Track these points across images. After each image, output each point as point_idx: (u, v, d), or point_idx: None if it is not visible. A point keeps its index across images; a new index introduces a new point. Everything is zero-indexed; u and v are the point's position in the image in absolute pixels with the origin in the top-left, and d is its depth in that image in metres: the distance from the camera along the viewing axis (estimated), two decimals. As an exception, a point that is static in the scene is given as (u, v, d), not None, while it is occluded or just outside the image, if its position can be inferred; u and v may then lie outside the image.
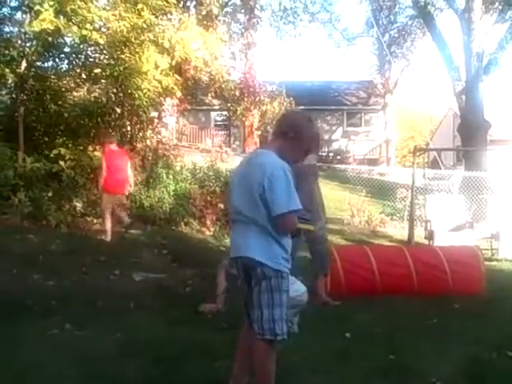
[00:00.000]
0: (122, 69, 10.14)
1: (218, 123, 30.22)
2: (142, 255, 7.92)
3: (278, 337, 2.97)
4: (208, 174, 11.99)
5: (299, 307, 4.26)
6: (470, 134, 18.21)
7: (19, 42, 10.45)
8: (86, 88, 11.80)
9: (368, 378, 3.77)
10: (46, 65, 11.36)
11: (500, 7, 18.84)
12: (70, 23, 9.33)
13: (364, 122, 31.86)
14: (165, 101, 12.52)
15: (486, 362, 4.14)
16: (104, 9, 10.28)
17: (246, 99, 17.31)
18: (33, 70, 10.57)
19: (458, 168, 22.82)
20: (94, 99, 11.55)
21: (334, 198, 13.54)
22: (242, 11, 20.21)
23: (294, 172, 5.43)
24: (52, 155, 9.94)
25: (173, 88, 11.05)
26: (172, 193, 10.81)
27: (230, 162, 16.44)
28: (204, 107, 24.63)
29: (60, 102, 11.14)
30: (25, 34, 10.15)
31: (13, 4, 11.02)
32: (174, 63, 11.17)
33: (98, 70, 10.41)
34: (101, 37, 9.65)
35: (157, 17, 10.81)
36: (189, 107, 17.97)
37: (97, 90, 11.65)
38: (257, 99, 17.70)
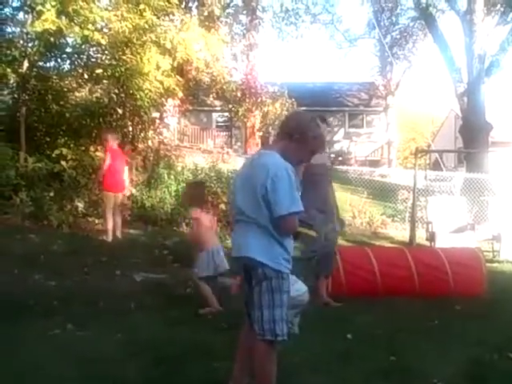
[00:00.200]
0: (123, 69, 10.15)
1: (220, 124, 30.22)
2: (143, 255, 7.92)
3: (278, 337, 2.97)
4: (209, 174, 11.98)
5: (300, 307, 4.26)
6: (472, 135, 18.19)
7: (21, 42, 10.48)
8: (87, 88, 11.82)
9: (369, 379, 3.77)
10: (47, 65, 11.41)
11: (502, 9, 18.83)
12: (72, 23, 9.34)
13: (366, 123, 31.85)
14: (166, 101, 12.52)
15: (487, 363, 4.14)
16: (106, 9, 10.29)
17: (247, 100, 17.30)
18: (35, 70, 10.60)
19: (460, 170, 22.79)
20: (96, 99, 11.57)
21: (335, 199, 13.49)
22: (244, 12, 20.21)
23: (310, 172, 5.48)
24: (54, 155, 9.95)
25: (174, 89, 11.06)
26: (173, 193, 10.81)
27: (232, 163, 16.44)
28: (206, 108, 24.64)
29: (62, 102, 11.17)
30: (27, 34, 10.18)
31: (15, 4, 11.08)
32: (175, 64, 11.18)
33: (99, 71, 10.43)
34: (103, 37, 9.66)
35: (159, 17, 10.82)
36: (190, 108, 17.95)
37: (98, 90, 11.67)
38: (258, 100, 17.68)
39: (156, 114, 12.61)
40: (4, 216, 8.87)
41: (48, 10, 9.00)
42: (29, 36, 10.21)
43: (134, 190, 10.37)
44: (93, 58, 11.15)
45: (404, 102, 39.99)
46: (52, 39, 9.68)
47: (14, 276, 6.20)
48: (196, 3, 15.15)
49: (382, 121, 31.66)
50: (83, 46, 10.60)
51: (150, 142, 12.19)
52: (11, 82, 10.76)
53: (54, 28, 9.06)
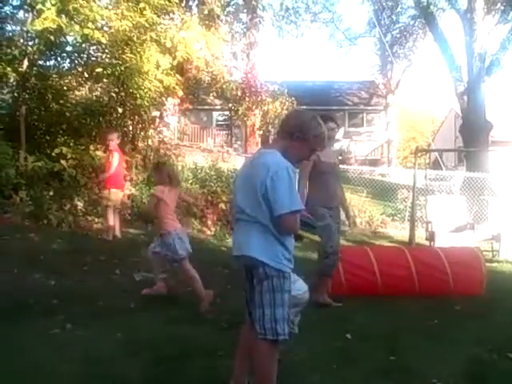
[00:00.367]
0: (123, 68, 10.15)
1: (220, 123, 30.19)
2: (143, 255, 7.91)
3: (279, 337, 2.97)
4: (209, 173, 11.99)
5: (300, 306, 4.26)
6: (472, 134, 18.18)
7: (21, 40, 10.48)
8: (87, 87, 11.83)
9: (369, 379, 3.77)
10: (47, 64, 11.40)
11: (502, 8, 18.80)
12: (72, 22, 9.33)
13: (366, 122, 31.84)
14: (166, 100, 12.53)
15: (486, 363, 4.15)
16: (106, 8, 10.28)
17: (247, 99, 17.32)
18: (35, 68, 10.59)
19: (460, 169, 22.81)
20: (96, 98, 11.57)
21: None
22: (244, 11, 20.22)
23: (318, 169, 5.44)
24: (53, 154, 9.95)
25: (174, 88, 11.06)
26: (173, 192, 10.79)
27: (232, 162, 16.46)
28: (206, 107, 24.64)
29: (62, 101, 11.17)
30: (27, 32, 10.17)
31: (15, 3, 11.08)
32: (175, 63, 11.18)
33: (99, 70, 10.42)
34: (103, 36, 9.65)
35: (159, 16, 10.82)
36: (190, 107, 17.99)
37: (98, 89, 11.68)
38: (258, 99, 17.69)
39: (156, 113, 12.62)
40: (4, 215, 8.86)
41: (48, 9, 8.99)
42: (29, 35, 10.21)
43: (133, 190, 10.37)
44: (93, 56, 11.15)
45: (404, 100, 40.03)
46: (52, 38, 9.66)
47: (14, 275, 6.19)
48: (196, 2, 15.17)
49: (382, 120, 31.65)
50: (83, 45, 10.59)
51: (150, 141, 12.19)
52: (11, 80, 10.75)
53: (54, 26, 9.04)
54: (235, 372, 3.32)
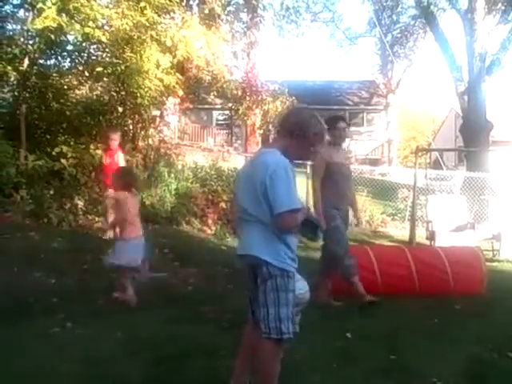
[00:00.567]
0: (123, 67, 10.14)
1: (220, 122, 30.21)
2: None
3: (284, 336, 2.98)
4: (210, 173, 11.98)
5: (301, 305, 4.26)
6: (472, 134, 18.19)
7: (22, 39, 10.45)
8: (88, 86, 11.80)
9: (369, 378, 3.77)
10: (48, 63, 11.36)
11: (503, 8, 18.81)
12: (73, 21, 9.30)
13: (366, 121, 31.84)
14: (167, 99, 12.51)
15: (486, 362, 4.15)
16: (107, 7, 10.26)
17: (248, 98, 17.27)
18: (35, 67, 10.57)
19: (460, 169, 22.81)
20: (96, 97, 11.55)
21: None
22: (245, 10, 20.17)
23: (328, 170, 5.45)
24: (54, 153, 9.92)
25: (174, 87, 11.05)
26: (173, 192, 10.80)
27: (232, 161, 16.46)
28: (206, 106, 24.60)
29: (62, 100, 11.15)
30: (27, 31, 10.15)
31: (15, 2, 11.03)
32: (176, 62, 11.16)
33: (100, 69, 10.39)
34: (103, 34, 9.63)
35: (159, 15, 10.80)
36: (191, 106, 17.93)
37: (99, 88, 11.65)
38: (259, 98, 17.64)
39: (156, 112, 12.59)
40: (4, 214, 8.86)
41: (49, 8, 8.97)
42: (29, 33, 10.18)
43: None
44: (93, 55, 11.12)
45: (404, 100, 40.04)
46: (52, 37, 9.63)
47: (14, 274, 6.18)
48: (197, 1, 15.13)
49: (383, 119, 31.65)
50: (84, 44, 10.57)
51: (150, 140, 12.16)
52: (11, 79, 10.73)
53: (54, 25, 9.02)
54: (236, 371, 3.31)
